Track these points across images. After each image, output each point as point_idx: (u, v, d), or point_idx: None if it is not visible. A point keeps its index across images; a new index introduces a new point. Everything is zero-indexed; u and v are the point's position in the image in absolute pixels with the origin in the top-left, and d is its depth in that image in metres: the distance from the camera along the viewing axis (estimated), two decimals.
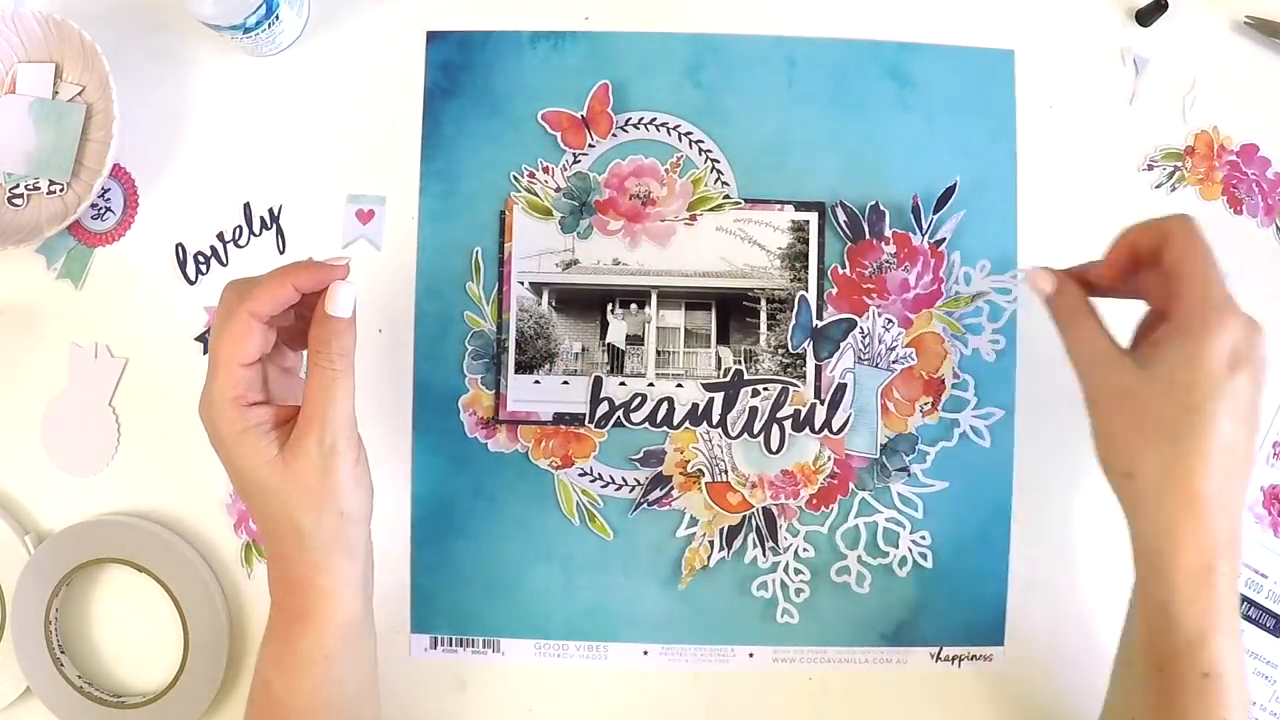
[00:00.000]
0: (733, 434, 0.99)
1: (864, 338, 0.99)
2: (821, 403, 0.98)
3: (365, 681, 0.85)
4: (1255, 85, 1.03)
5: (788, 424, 0.98)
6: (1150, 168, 1.01)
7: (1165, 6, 1.00)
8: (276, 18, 0.96)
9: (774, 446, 0.98)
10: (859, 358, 0.99)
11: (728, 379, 0.99)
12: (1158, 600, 0.79)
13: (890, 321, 0.99)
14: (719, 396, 0.98)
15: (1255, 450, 0.79)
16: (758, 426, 0.99)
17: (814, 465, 0.99)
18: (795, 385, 0.99)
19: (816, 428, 0.99)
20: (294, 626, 0.81)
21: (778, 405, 0.98)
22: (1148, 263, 0.83)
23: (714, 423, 0.99)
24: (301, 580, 0.80)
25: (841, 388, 0.98)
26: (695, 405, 0.98)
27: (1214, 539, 0.77)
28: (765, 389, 0.98)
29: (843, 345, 0.99)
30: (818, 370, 0.99)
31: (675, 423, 0.99)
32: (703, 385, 0.99)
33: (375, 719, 0.87)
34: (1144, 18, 1.01)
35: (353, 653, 0.83)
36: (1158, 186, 1.01)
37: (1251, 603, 1.00)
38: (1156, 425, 0.78)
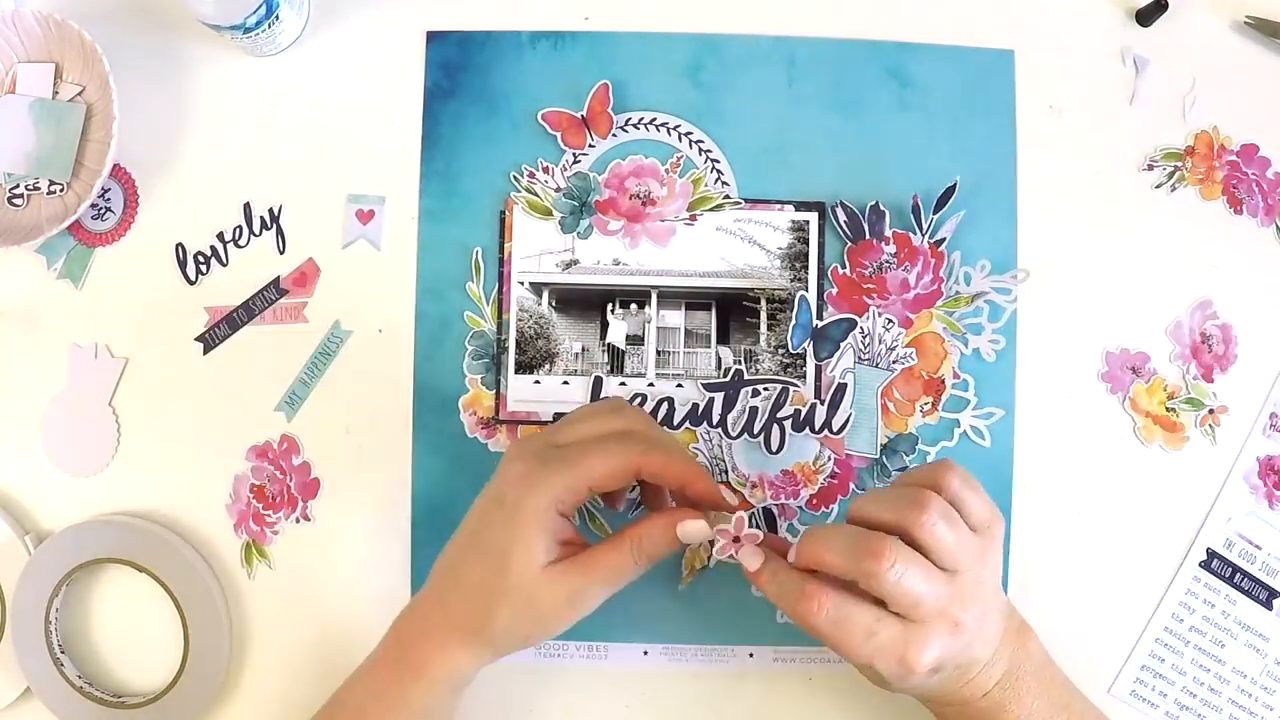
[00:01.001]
0: (733, 434, 0.99)
1: (864, 338, 0.99)
2: (821, 403, 0.98)
3: None
4: (1255, 85, 1.03)
5: (788, 424, 0.98)
6: (1150, 168, 1.01)
7: (1165, 6, 1.00)
8: (276, 18, 0.96)
9: (774, 447, 0.98)
10: (859, 358, 0.99)
11: (728, 379, 0.99)
12: None
13: (890, 321, 0.99)
14: (719, 397, 0.98)
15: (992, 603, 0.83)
16: (758, 426, 0.98)
17: (814, 465, 0.99)
18: (795, 385, 0.99)
19: (816, 428, 0.98)
20: (408, 672, 0.84)
21: (778, 405, 0.98)
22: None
23: (714, 423, 0.99)
24: (446, 649, 0.84)
25: (841, 388, 0.98)
26: (695, 405, 0.98)
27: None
28: (765, 389, 0.98)
29: (843, 345, 0.99)
30: (818, 370, 0.99)
31: (675, 423, 0.99)
32: (703, 385, 0.99)
33: None
34: (1144, 18, 1.01)
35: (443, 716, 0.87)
36: (1158, 186, 1.01)
37: (1244, 574, 1.00)
38: None
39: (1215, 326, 1.01)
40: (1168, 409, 1.00)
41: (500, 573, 0.81)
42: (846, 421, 0.98)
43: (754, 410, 0.99)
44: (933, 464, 0.84)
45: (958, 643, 0.80)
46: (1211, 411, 1.00)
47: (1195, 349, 1.00)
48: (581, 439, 0.84)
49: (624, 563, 0.83)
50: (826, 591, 0.79)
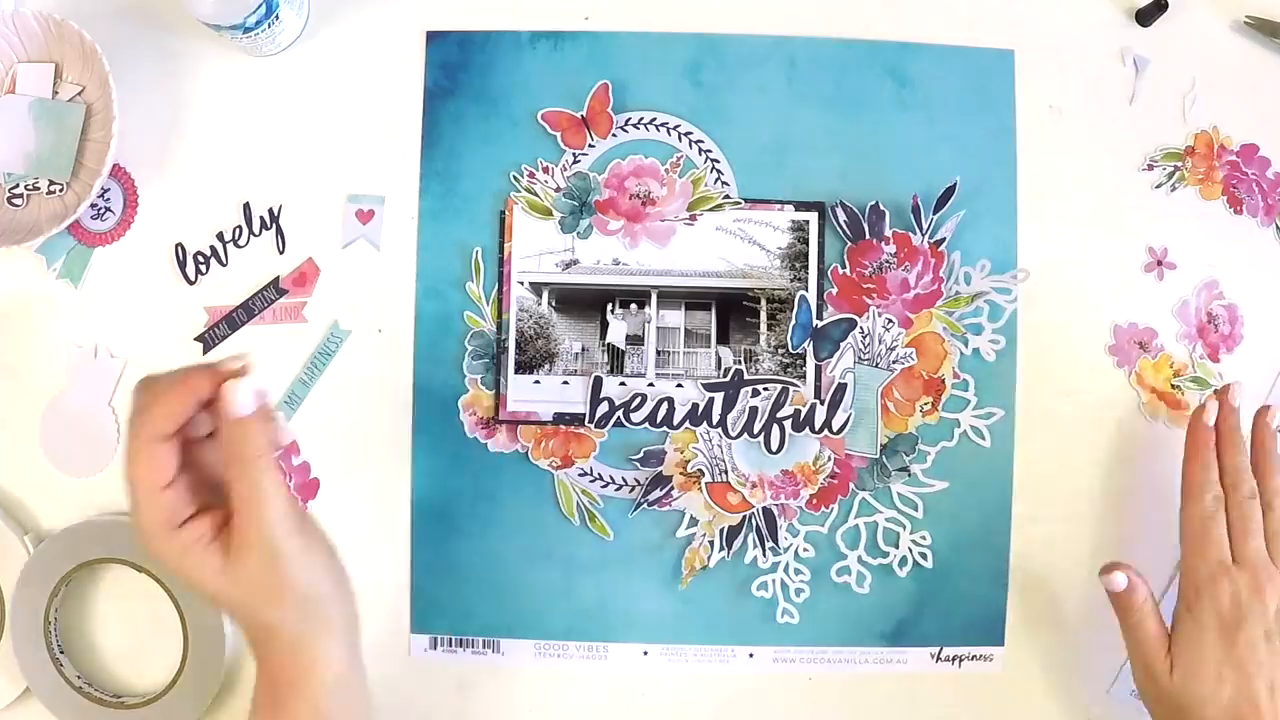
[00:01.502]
0: (733, 434, 0.99)
1: (864, 338, 0.99)
2: (821, 403, 0.98)
3: None
4: (1255, 85, 1.03)
5: (788, 424, 0.98)
6: (1150, 167, 1.01)
7: (1165, 6, 1.00)
8: (276, 18, 0.96)
9: (774, 446, 0.98)
10: (859, 358, 0.99)
11: (728, 379, 0.99)
12: None
13: (890, 321, 0.99)
14: (719, 396, 0.98)
15: None
16: (758, 426, 0.98)
17: (814, 465, 0.99)
18: (795, 385, 0.98)
19: (816, 428, 0.98)
20: (283, 692, 0.78)
21: (778, 405, 0.98)
22: None
23: (714, 423, 0.98)
24: (283, 661, 0.78)
25: (841, 388, 0.98)
26: (695, 405, 0.98)
27: None
28: (765, 389, 0.98)
29: (843, 345, 0.99)
30: (818, 370, 0.99)
31: (675, 423, 0.99)
32: (703, 385, 0.99)
33: None
34: (1144, 18, 1.01)
35: (343, 705, 0.80)
36: (1158, 186, 1.01)
37: None
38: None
39: (1221, 306, 1.01)
40: (1173, 385, 1.00)
41: (221, 602, 0.77)
42: (846, 421, 0.98)
43: (754, 410, 0.99)
44: None
45: (1239, 588, 0.86)
46: (1216, 392, 1.00)
47: (1201, 329, 1.01)
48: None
49: (252, 493, 0.75)
50: None
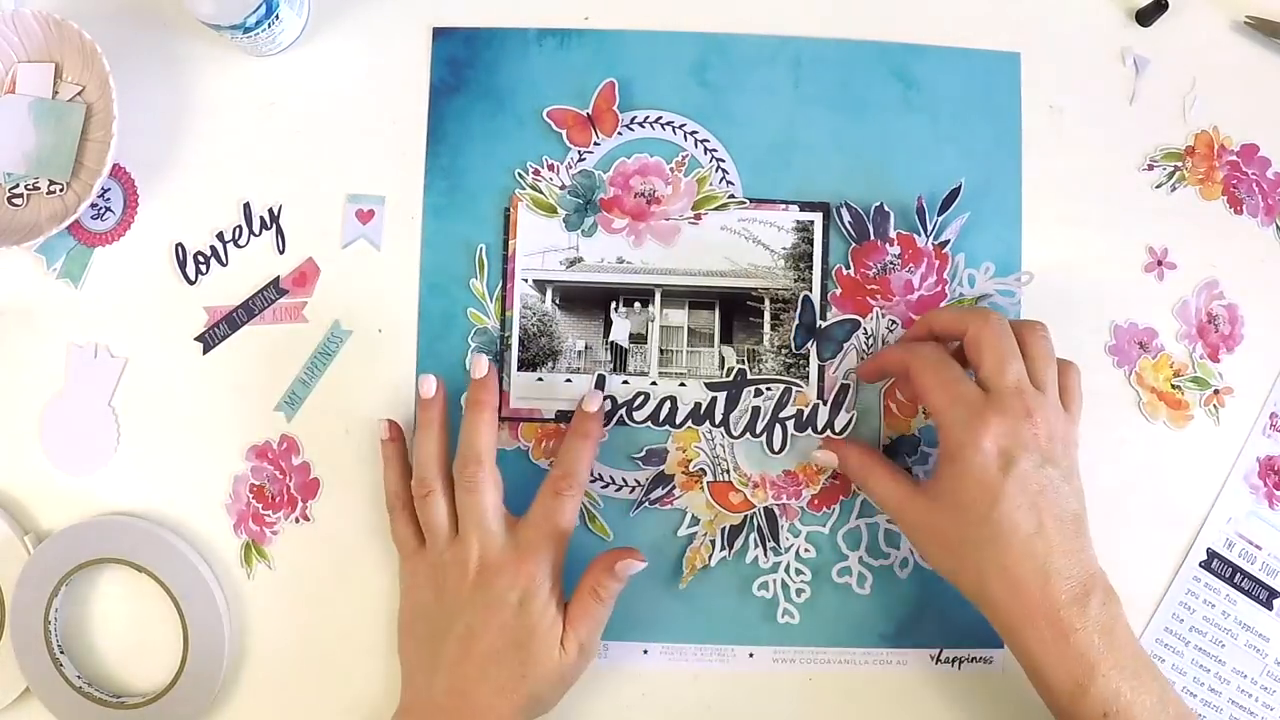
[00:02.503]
0: (735, 433, 0.99)
1: (867, 339, 0.99)
2: (824, 403, 0.98)
3: None
4: (1255, 85, 1.03)
5: (790, 424, 0.98)
6: (1150, 168, 1.02)
7: (1165, 6, 1.01)
8: (276, 17, 0.95)
9: (776, 446, 0.98)
10: (862, 358, 0.99)
11: (731, 379, 0.99)
12: (1026, 666, 0.85)
13: (894, 323, 0.99)
14: (721, 396, 0.98)
15: (1069, 496, 0.86)
16: (760, 426, 0.98)
17: (816, 466, 0.99)
18: (799, 385, 0.99)
19: (819, 428, 0.99)
20: None
21: (780, 405, 0.98)
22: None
23: (717, 422, 0.98)
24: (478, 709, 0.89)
25: (845, 388, 0.98)
26: (698, 404, 0.98)
27: (1052, 603, 0.82)
28: (768, 389, 0.98)
29: (846, 346, 0.99)
30: (821, 371, 0.99)
31: (678, 422, 0.99)
32: (706, 385, 0.99)
33: None
34: (1144, 18, 1.02)
35: None
36: (1158, 186, 1.02)
37: (1244, 574, 1.00)
38: (961, 543, 0.86)
39: (1221, 306, 1.01)
40: (1173, 385, 1.01)
41: (532, 665, 0.90)
42: (849, 423, 0.98)
43: (756, 410, 0.99)
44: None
45: (1029, 438, 0.84)
46: (1217, 392, 1.00)
47: (1201, 329, 1.01)
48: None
49: (597, 609, 0.92)
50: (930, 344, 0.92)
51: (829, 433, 0.99)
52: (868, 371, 0.97)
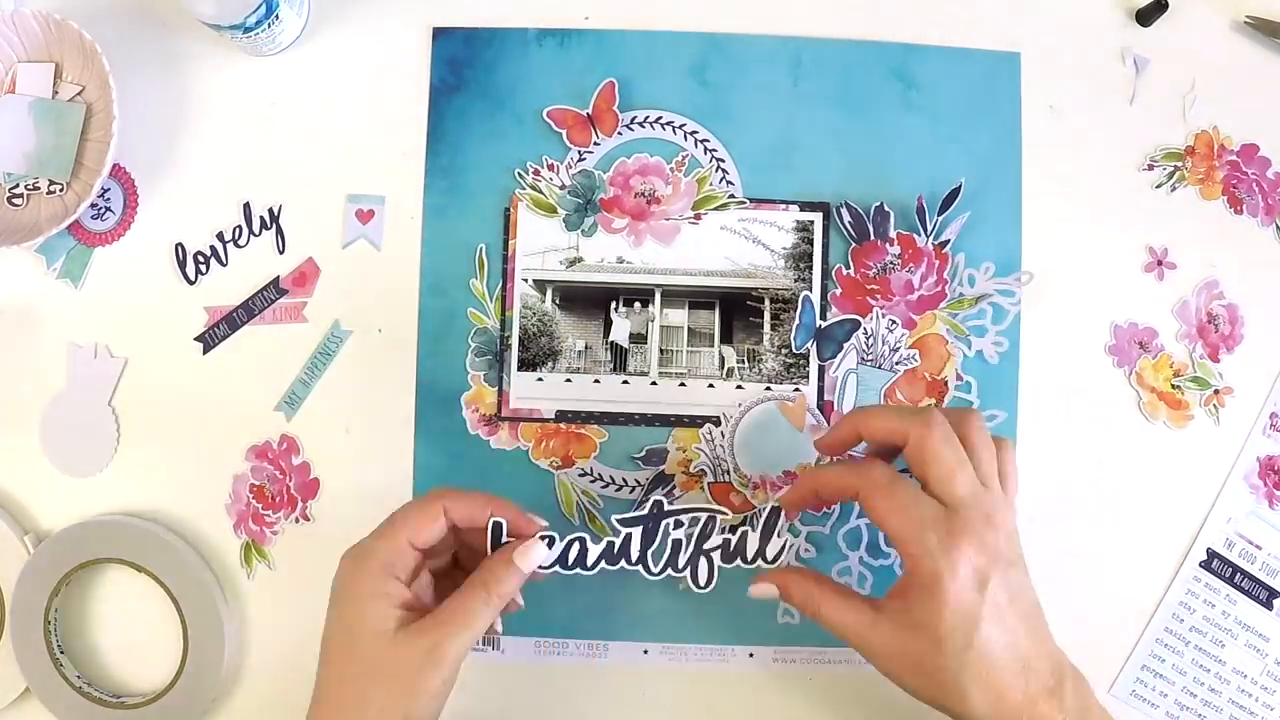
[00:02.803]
0: (655, 571, 0.93)
1: (867, 338, 0.99)
2: (753, 529, 0.90)
3: None
4: (1255, 85, 1.03)
5: (716, 555, 0.92)
6: (1150, 167, 1.02)
7: (1165, 6, 1.01)
8: (276, 17, 0.96)
9: (702, 582, 0.90)
10: (862, 358, 0.99)
11: (646, 511, 0.90)
12: None
13: (894, 323, 0.99)
14: (637, 532, 0.90)
15: (1027, 589, 0.83)
16: (682, 561, 0.89)
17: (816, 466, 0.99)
18: (721, 512, 0.91)
19: (749, 558, 0.90)
20: None
21: (704, 536, 0.90)
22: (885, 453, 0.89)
23: (633, 561, 0.90)
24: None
25: (775, 511, 0.90)
26: (611, 544, 0.92)
27: (1032, 700, 0.80)
28: (688, 519, 0.90)
29: (846, 346, 0.99)
30: (821, 371, 0.99)
31: (588, 564, 0.95)
32: (618, 521, 0.90)
33: None
34: (1144, 18, 1.02)
35: None
36: (1158, 186, 1.02)
37: (1244, 574, 1.00)
38: (942, 670, 0.80)
39: (1221, 306, 1.01)
40: (1173, 385, 1.01)
41: (354, 658, 0.80)
42: (781, 549, 0.90)
43: (678, 543, 0.90)
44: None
45: (994, 548, 0.80)
46: (1217, 392, 1.00)
47: (1201, 329, 1.01)
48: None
49: (475, 607, 0.82)
50: (877, 464, 0.84)
51: (760, 562, 0.91)
52: (796, 500, 0.91)
